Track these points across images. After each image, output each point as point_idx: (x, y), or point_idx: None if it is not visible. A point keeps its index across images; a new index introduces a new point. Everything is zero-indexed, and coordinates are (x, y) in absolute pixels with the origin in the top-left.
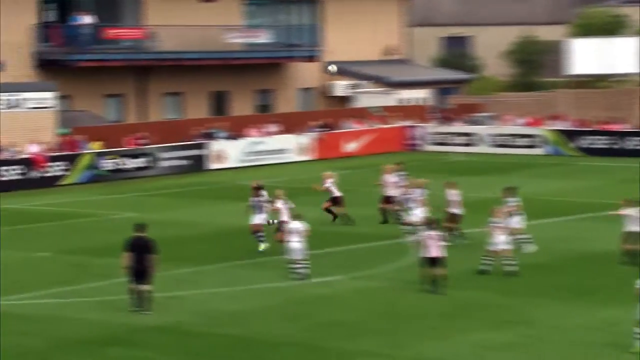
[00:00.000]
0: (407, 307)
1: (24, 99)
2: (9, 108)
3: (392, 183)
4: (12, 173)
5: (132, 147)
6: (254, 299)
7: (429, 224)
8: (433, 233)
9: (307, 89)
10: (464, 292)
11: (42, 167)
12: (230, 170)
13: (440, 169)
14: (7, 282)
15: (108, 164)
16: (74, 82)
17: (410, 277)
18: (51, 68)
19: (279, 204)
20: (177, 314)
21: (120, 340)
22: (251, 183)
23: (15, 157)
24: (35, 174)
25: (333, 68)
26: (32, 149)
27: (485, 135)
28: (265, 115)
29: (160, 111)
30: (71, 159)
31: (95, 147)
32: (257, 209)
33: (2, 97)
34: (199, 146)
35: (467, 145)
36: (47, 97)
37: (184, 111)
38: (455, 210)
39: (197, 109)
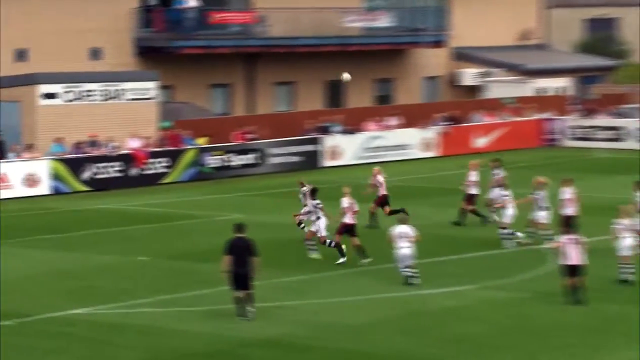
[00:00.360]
0: (543, 321)
1: (123, 90)
2: (107, 99)
3: (475, 182)
4: (110, 170)
5: (239, 142)
6: (371, 310)
7: (567, 227)
8: (572, 237)
9: (432, 77)
10: (605, 304)
11: (143, 163)
12: (346, 167)
13: (582, 167)
14: (104, 289)
15: (213, 160)
16: (176, 71)
17: (546, 288)
18: (152, 56)
19: (345, 204)
20: (286, 326)
21: (224, 353)
22: (306, 185)
23: (113, 153)
24: (134, 171)
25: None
26: (132, 144)
27: (633, 129)
28: (385, 107)
29: (270, 103)
30: (173, 155)
31: (201, 142)
32: (315, 214)
33: (99, 88)
34: (312, 141)
35: (612, 140)
36: (148, 88)
37: (296, 103)
38: (569, 211)
39: (310, 100)
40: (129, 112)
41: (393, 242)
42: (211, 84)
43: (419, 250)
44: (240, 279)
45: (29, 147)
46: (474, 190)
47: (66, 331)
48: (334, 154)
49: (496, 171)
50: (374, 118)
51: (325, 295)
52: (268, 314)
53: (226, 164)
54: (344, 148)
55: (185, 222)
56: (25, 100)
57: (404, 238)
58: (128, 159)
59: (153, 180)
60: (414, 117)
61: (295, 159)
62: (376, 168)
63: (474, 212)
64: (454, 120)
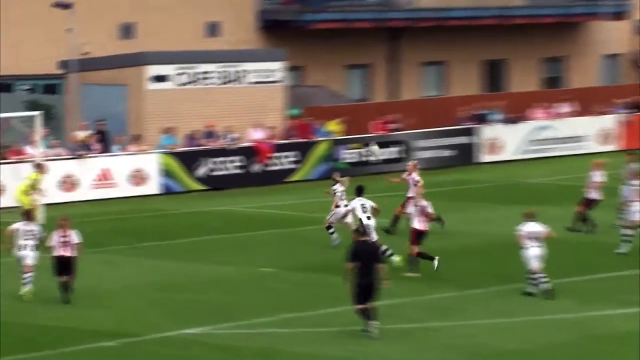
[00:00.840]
0: None
1: (245, 71)
2: (225, 83)
3: (599, 184)
4: (229, 166)
5: (380, 133)
6: (536, 333)
7: None
8: None
9: (612, 55)
10: None
11: (267, 158)
12: (507, 163)
13: None
14: (220, 305)
15: (349, 155)
16: (307, 49)
17: None
18: (279, 31)
19: (411, 206)
20: (434, 351)
21: None
22: (339, 181)
23: (232, 146)
24: (257, 167)
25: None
26: (255, 136)
27: None
28: (554, 91)
29: (416, 86)
30: (302, 149)
31: (333, 127)
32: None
33: (217, 69)
34: (466, 132)
35: None
36: (274, 69)
37: (447, 86)
38: None
39: (465, 83)
40: (252, 98)
41: (521, 242)
42: (347, 65)
43: (589, 264)
44: (365, 289)
45: (136, 139)
46: (595, 195)
47: (177, 354)
48: (493, 147)
49: (632, 165)
50: (542, 104)
51: (478, 316)
52: (413, 337)
53: (364, 158)
54: (505, 140)
55: (315, 227)
56: (131, 84)
57: (533, 238)
58: (250, 153)
59: (278, 177)
60: (589, 103)
61: (446, 153)
62: (411, 163)
63: (581, 215)
64: (639, 107)
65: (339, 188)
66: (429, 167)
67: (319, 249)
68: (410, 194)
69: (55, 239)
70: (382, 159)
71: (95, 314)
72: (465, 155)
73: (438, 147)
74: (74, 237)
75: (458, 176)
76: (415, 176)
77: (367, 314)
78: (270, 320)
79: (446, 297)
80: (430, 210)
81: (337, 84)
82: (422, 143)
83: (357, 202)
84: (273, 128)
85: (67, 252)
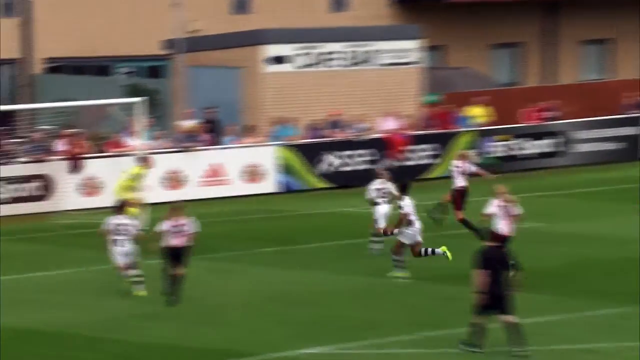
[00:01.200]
0: None
1: (376, 52)
2: (353, 65)
3: None
4: (357, 161)
5: (534, 122)
6: None
7: None
8: None
9: None
10: None
11: (401, 151)
12: None
13: None
14: (347, 320)
15: (496, 147)
16: (447, 25)
17: None
18: (415, 5)
19: (493, 207)
20: None
21: None
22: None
23: (361, 138)
24: (389, 162)
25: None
26: (387, 126)
27: None
28: None
29: (575, 68)
30: (442, 140)
31: (477, 113)
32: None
33: (344, 49)
34: (633, 122)
35: None
36: (409, 48)
37: (612, 68)
38: None
39: (632, 64)
40: (384, 82)
41: None
42: (494, 44)
43: None
44: (494, 300)
45: (250, 129)
46: None
47: None
48: None
49: None
50: None
51: None
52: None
53: (514, 152)
54: None
55: (458, 232)
56: (246, 67)
57: None
58: (381, 146)
59: (414, 174)
60: None
61: (609, 146)
62: (460, 152)
63: None
64: None
65: (379, 185)
66: (590, 162)
67: (459, 257)
68: (458, 184)
69: (166, 226)
70: (535, 153)
71: (204, 330)
72: (632, 149)
73: (600, 139)
74: (189, 225)
75: (623, 173)
76: (456, 164)
77: (483, 330)
78: (407, 339)
79: (607, 313)
80: (515, 211)
81: (483, 66)
82: (582, 134)
83: (409, 201)
84: (408, 117)
85: (179, 242)
